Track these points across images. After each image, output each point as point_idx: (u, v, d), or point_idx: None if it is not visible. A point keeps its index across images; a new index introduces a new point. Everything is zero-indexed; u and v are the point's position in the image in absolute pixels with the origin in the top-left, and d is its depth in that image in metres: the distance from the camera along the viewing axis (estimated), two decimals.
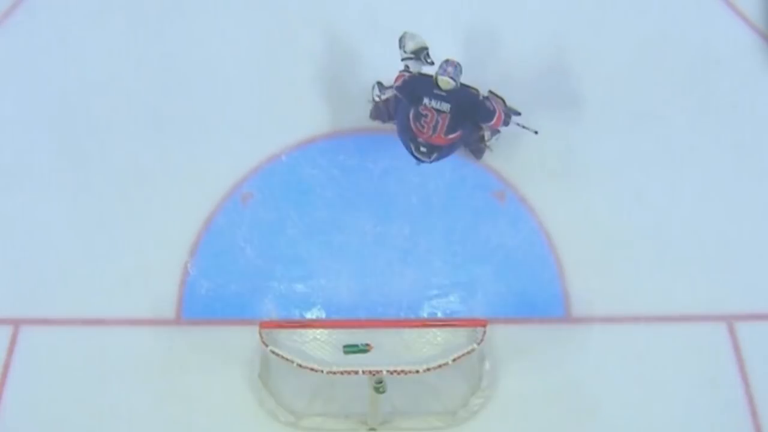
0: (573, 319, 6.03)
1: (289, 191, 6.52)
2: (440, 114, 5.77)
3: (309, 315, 6.06)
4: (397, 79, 6.06)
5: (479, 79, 6.18)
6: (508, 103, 6.16)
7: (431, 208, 6.37)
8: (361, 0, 7.42)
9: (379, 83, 6.35)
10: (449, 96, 5.76)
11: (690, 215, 6.41)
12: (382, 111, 6.45)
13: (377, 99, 6.35)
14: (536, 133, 6.19)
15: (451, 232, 6.31)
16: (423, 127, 5.84)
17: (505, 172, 6.53)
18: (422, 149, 5.95)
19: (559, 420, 5.69)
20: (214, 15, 7.35)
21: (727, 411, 5.73)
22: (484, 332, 5.34)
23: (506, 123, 6.12)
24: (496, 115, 5.95)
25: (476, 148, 6.39)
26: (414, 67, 6.13)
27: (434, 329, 5.49)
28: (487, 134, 6.26)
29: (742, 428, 5.67)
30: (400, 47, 6.19)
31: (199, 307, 6.05)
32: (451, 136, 5.85)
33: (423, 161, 6.03)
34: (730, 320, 6.01)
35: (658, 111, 6.87)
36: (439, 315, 6.05)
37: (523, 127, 6.19)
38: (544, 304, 6.07)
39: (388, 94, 6.24)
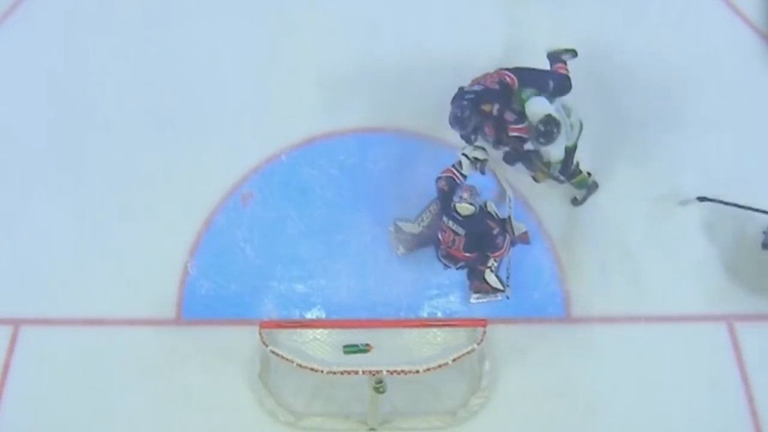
0: (573, 319, 6.03)
1: (289, 191, 6.52)
2: (456, 235, 5.72)
3: (309, 315, 6.05)
4: (445, 172, 5.91)
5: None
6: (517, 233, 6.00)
7: None
8: (361, 0, 7.43)
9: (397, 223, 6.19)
10: (465, 222, 5.67)
11: (690, 215, 6.41)
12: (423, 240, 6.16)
13: (419, 230, 6.15)
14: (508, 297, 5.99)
15: None
16: (445, 240, 5.79)
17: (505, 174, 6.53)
18: (446, 257, 5.88)
19: (558, 420, 5.69)
20: (214, 15, 7.34)
21: (727, 411, 5.73)
22: (484, 332, 5.35)
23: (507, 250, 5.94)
24: (501, 249, 5.78)
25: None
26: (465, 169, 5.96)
27: (434, 329, 5.51)
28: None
29: (742, 428, 5.67)
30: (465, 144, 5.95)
31: (199, 307, 6.06)
32: (468, 255, 5.77)
33: (449, 267, 5.92)
34: (730, 320, 6.01)
35: (658, 111, 6.87)
36: (439, 315, 6.05)
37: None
38: (544, 304, 6.07)
39: (425, 220, 6.14)
